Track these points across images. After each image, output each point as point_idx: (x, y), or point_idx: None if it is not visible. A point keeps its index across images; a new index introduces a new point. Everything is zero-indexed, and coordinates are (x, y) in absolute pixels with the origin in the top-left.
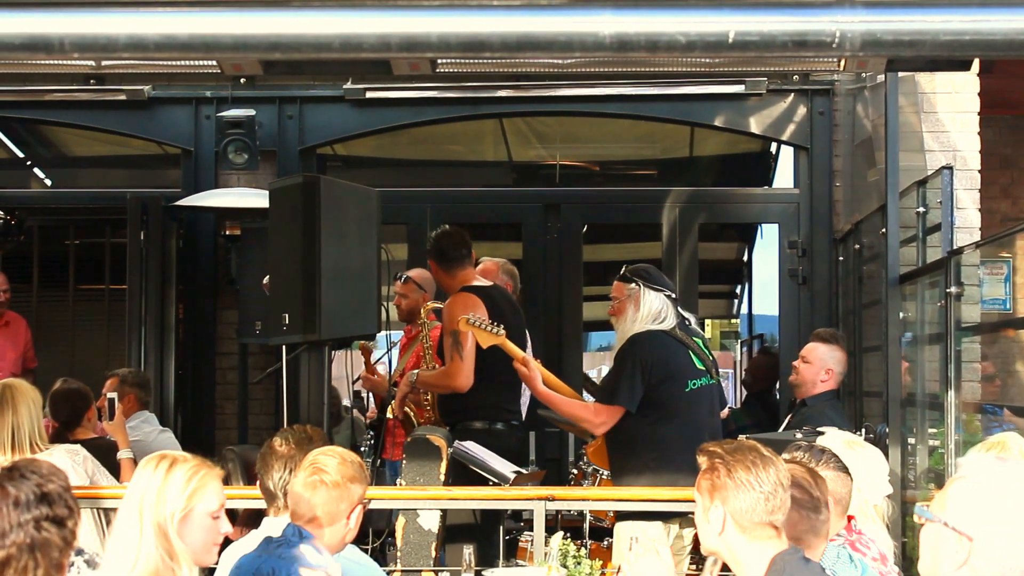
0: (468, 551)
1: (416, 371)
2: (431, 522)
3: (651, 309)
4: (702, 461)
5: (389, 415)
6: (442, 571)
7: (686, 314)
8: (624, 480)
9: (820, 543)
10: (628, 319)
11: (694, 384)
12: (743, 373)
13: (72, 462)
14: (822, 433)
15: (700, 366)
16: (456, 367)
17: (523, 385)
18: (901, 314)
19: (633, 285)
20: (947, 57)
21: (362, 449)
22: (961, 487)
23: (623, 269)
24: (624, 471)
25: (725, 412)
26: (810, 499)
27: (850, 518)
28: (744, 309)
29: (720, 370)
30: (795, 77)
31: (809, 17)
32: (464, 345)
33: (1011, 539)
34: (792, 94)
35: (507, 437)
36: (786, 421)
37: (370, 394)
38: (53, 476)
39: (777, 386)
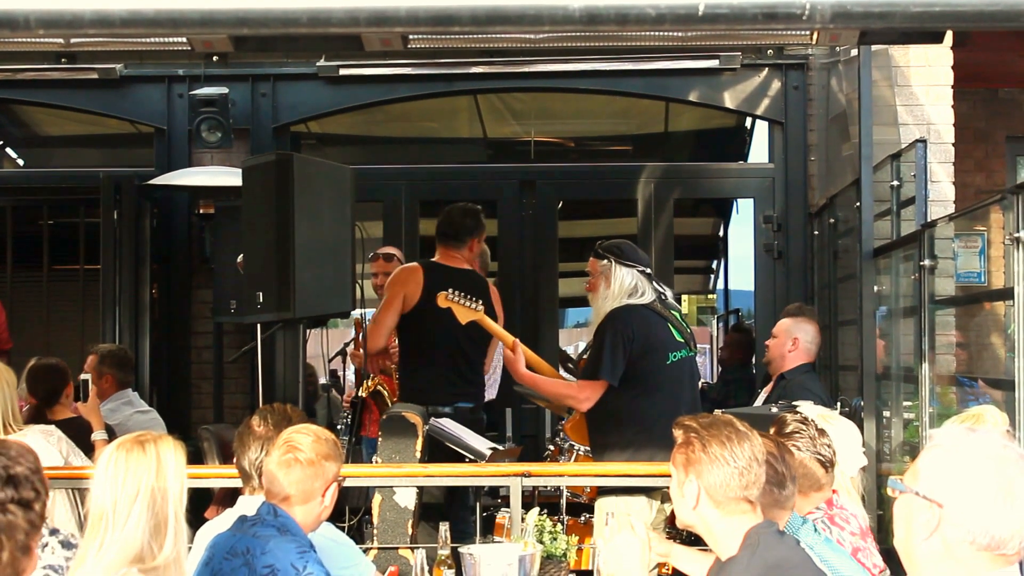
0: (444, 527)
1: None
2: (407, 499)
3: (623, 285)
4: (678, 435)
5: (363, 393)
6: (418, 548)
7: (662, 288)
8: (606, 455)
9: (784, 516)
10: (601, 295)
11: (675, 356)
12: (718, 348)
13: (47, 443)
14: (796, 407)
15: (679, 338)
16: (370, 327)
17: (493, 364)
18: (876, 288)
19: (605, 261)
20: (918, 29)
21: (338, 427)
22: (930, 456)
23: (597, 245)
24: (606, 446)
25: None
26: (775, 473)
27: (833, 492)
28: (720, 284)
29: (697, 344)
30: (769, 51)
31: None
32: (383, 308)
33: (978, 502)
34: (766, 68)
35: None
36: (764, 395)
37: (346, 374)
38: (21, 458)
39: (752, 360)
